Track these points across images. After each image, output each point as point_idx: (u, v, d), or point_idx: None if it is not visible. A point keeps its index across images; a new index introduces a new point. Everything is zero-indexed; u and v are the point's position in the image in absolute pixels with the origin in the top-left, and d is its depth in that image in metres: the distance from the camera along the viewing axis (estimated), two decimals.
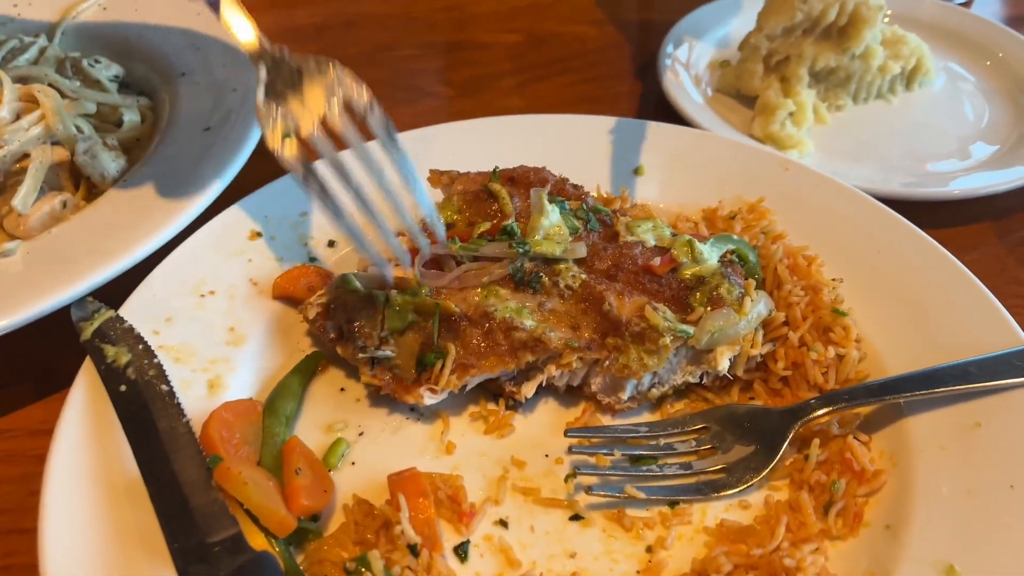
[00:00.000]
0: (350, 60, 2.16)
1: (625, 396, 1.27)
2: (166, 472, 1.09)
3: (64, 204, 1.57)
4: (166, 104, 1.79)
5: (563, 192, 1.43)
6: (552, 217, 1.34)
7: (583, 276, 1.29)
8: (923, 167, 1.79)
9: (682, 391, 1.32)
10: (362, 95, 1.16)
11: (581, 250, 1.32)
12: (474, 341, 1.24)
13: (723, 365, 1.26)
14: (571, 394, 1.32)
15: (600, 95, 2.08)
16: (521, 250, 1.29)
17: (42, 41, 1.89)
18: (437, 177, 1.47)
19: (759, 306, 1.29)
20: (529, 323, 1.24)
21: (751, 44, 1.90)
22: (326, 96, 1.14)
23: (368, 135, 1.19)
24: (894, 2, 2.13)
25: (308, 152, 1.16)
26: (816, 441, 1.20)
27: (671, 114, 1.86)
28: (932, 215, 1.67)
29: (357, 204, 1.19)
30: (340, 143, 1.17)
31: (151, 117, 1.79)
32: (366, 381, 1.25)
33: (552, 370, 1.26)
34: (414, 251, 1.32)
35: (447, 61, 2.25)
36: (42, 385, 1.38)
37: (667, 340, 1.22)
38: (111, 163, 1.61)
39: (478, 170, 1.48)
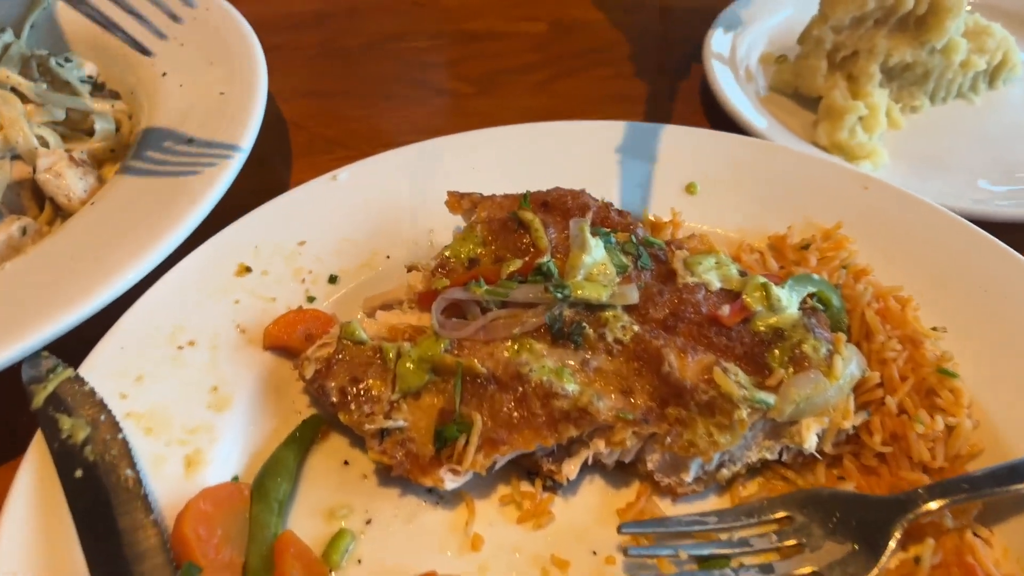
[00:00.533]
0: (354, 53, 1.96)
1: (689, 477, 1.05)
2: None
3: (23, 230, 1.35)
4: (144, 109, 1.56)
5: (607, 221, 1.20)
6: (596, 254, 1.11)
7: (635, 328, 1.07)
8: (1014, 177, 1.55)
9: (756, 468, 1.09)
10: None
11: (633, 295, 1.09)
12: (504, 409, 1.02)
13: (810, 442, 1.05)
14: (622, 470, 1.09)
15: (636, 93, 1.84)
16: (560, 295, 1.07)
17: (7, 36, 1.66)
18: (457, 201, 1.24)
19: (851, 366, 1.06)
20: (571, 387, 1.02)
21: (814, 37, 1.66)
22: None
23: None
24: None
25: None
26: (930, 541, 0.97)
27: (718, 117, 1.63)
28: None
29: None
30: None
31: (128, 124, 1.57)
32: (374, 458, 1.04)
33: (600, 446, 1.04)
34: (431, 294, 1.10)
35: (461, 53, 2.01)
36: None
37: (743, 413, 1.00)
38: (78, 182, 1.39)
39: (500, 191, 1.25)
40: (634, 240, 1.16)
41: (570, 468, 1.05)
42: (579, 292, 1.08)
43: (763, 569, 0.98)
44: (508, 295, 1.08)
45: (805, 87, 1.68)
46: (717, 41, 1.77)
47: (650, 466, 1.06)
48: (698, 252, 1.17)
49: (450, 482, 1.01)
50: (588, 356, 1.06)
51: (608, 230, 1.17)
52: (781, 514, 1.02)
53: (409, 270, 1.22)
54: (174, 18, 1.69)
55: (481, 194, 1.25)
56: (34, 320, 1.12)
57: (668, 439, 1.03)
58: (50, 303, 1.15)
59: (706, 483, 1.07)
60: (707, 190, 1.38)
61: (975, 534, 0.99)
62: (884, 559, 0.96)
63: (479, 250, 1.17)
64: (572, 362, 1.05)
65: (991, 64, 1.71)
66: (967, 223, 1.27)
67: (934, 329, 1.14)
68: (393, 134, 1.70)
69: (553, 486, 1.07)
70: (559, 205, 1.20)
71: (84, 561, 0.91)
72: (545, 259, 1.12)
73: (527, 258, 1.14)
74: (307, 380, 1.09)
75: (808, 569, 0.98)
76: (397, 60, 1.97)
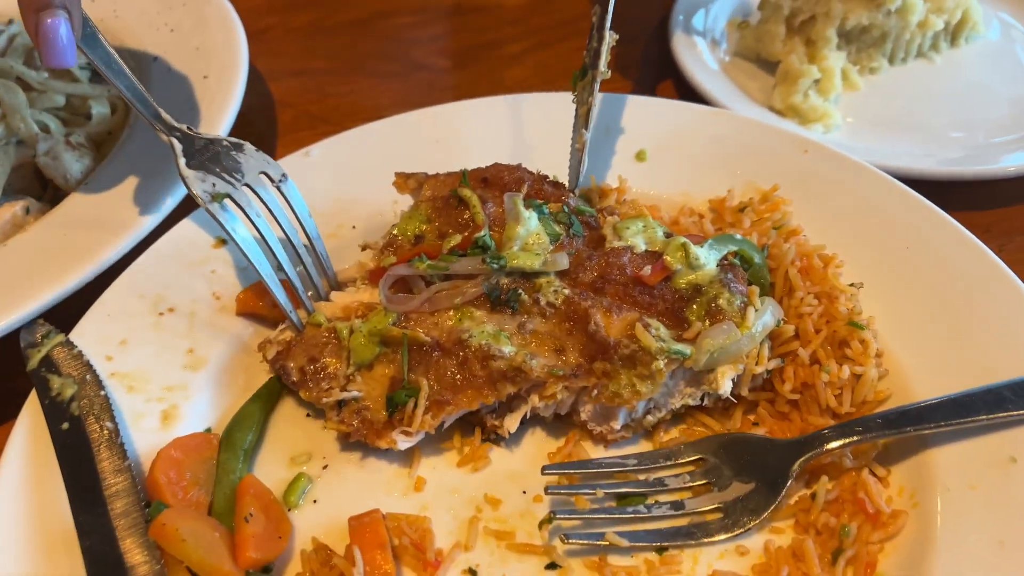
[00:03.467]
0: (342, 28, 2.04)
1: (618, 425, 1.15)
2: (100, 524, 1.01)
3: (26, 210, 1.48)
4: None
5: (541, 193, 1.28)
6: (530, 225, 1.19)
7: (566, 291, 1.16)
8: (971, 137, 1.60)
9: (680, 415, 1.18)
10: (277, 169, 1.29)
11: (563, 261, 1.18)
12: (448, 373, 1.12)
13: (725, 387, 1.13)
14: (559, 422, 1.19)
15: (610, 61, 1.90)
16: (496, 265, 1.16)
17: (13, 28, 1.79)
18: (403, 182, 1.33)
19: (764, 316, 1.14)
20: (508, 349, 1.11)
21: (772, 3, 1.71)
22: (246, 168, 1.26)
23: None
24: None
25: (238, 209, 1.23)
26: (825, 478, 1.06)
27: (684, 86, 1.69)
28: (980, 193, 1.50)
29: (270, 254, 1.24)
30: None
31: (122, 107, 1.69)
32: (332, 427, 1.15)
33: (536, 400, 1.14)
34: (379, 271, 1.20)
35: (445, 28, 2.09)
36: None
37: (661, 364, 1.09)
38: (74, 164, 1.51)
39: (460, 164, 1.34)
40: (566, 210, 1.25)
41: (511, 422, 1.15)
42: (514, 262, 1.17)
43: (674, 506, 1.08)
44: (449, 268, 1.18)
45: (765, 52, 1.72)
46: (684, 9, 1.82)
47: (583, 416, 1.16)
48: (628, 217, 1.25)
49: (403, 443, 1.12)
50: (524, 320, 1.15)
51: (541, 202, 1.26)
52: (694, 457, 1.12)
53: (363, 248, 1.32)
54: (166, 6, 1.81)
55: (426, 173, 1.33)
56: (31, 291, 1.26)
57: (596, 391, 1.12)
58: (45, 276, 1.28)
59: (634, 430, 1.17)
60: (656, 156, 1.46)
61: (872, 473, 1.07)
62: (781, 495, 1.05)
63: (424, 227, 1.26)
64: (509, 326, 1.14)
65: (951, 23, 1.73)
66: (896, 182, 1.33)
67: (851, 285, 1.21)
68: (373, 109, 1.79)
69: (496, 439, 1.18)
70: (497, 180, 1.28)
71: (68, 500, 1.05)
72: (482, 233, 1.20)
73: (467, 233, 1.22)
74: (270, 362, 1.20)
75: (715, 505, 1.07)
76: (382, 37, 2.04)
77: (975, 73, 1.74)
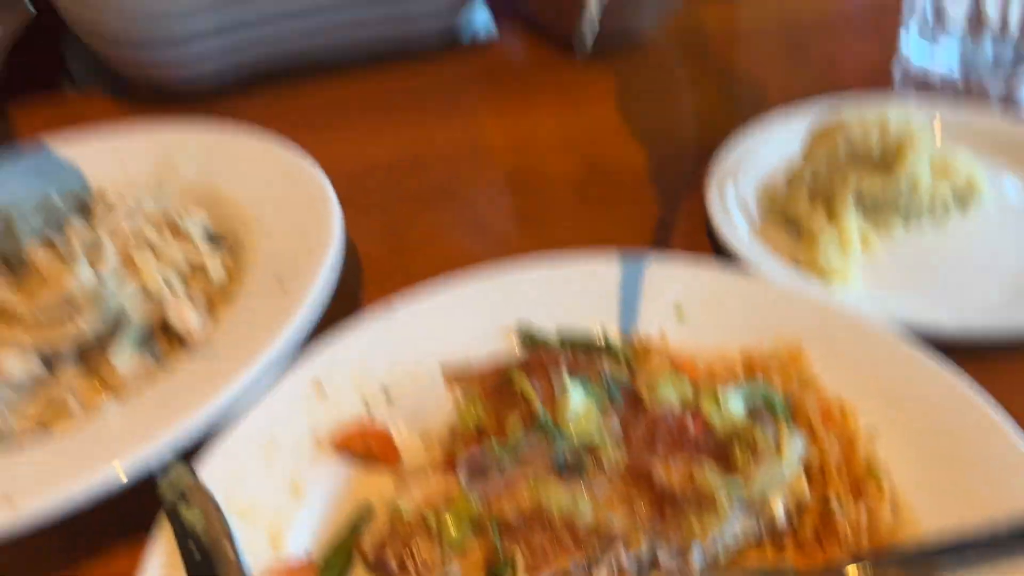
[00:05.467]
0: (417, 196, 2.34)
1: (695, 566, 1.30)
2: None
3: (156, 357, 1.75)
4: (246, 255, 1.97)
5: (576, 364, 1.49)
6: (577, 397, 1.40)
7: (623, 452, 1.34)
8: (979, 298, 1.77)
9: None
10: None
11: (616, 426, 1.37)
12: (537, 541, 1.26)
13: (779, 512, 1.30)
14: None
15: (638, 222, 2.15)
16: (560, 439, 1.34)
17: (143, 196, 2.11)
18: (453, 384, 1.52)
19: (796, 445, 1.32)
20: (587, 510, 1.28)
21: (796, 175, 1.95)
22: None
23: None
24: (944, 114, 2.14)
25: None
26: None
27: (719, 247, 1.92)
28: (992, 357, 1.65)
29: None
30: None
31: (233, 267, 1.97)
32: None
33: (620, 552, 1.28)
34: (450, 460, 1.38)
35: (504, 190, 2.37)
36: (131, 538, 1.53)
37: (723, 498, 1.26)
38: (196, 318, 1.79)
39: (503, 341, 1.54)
40: (604, 378, 1.45)
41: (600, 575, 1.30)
42: (575, 435, 1.35)
43: None
44: (518, 450, 1.35)
45: (792, 215, 1.96)
46: (719, 178, 2.07)
47: (662, 562, 1.30)
48: (654, 374, 1.45)
49: None
50: (592, 484, 1.32)
51: (581, 375, 1.45)
52: None
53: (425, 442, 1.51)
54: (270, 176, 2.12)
55: (471, 370, 1.54)
56: (166, 432, 1.50)
57: (670, 535, 1.28)
58: (177, 418, 1.52)
59: (710, 569, 1.32)
60: (692, 314, 1.67)
61: None
62: None
63: (483, 416, 1.44)
64: (581, 491, 1.30)
65: (956, 191, 1.95)
66: (908, 344, 1.51)
67: (869, 432, 1.39)
68: (445, 266, 2.04)
69: None
70: (536, 363, 1.48)
71: None
72: (541, 417, 1.38)
73: (523, 411, 1.39)
74: (372, 565, 1.32)
75: None
76: (456, 201, 2.33)
77: (983, 239, 1.92)
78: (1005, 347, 1.67)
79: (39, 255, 1.85)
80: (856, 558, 1.26)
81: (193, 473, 1.45)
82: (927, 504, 1.31)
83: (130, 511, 1.55)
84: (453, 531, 1.30)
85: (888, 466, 1.35)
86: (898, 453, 1.37)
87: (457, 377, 1.56)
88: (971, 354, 1.49)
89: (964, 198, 1.97)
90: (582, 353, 1.53)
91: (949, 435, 1.37)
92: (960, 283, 1.82)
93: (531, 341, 1.52)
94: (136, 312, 1.78)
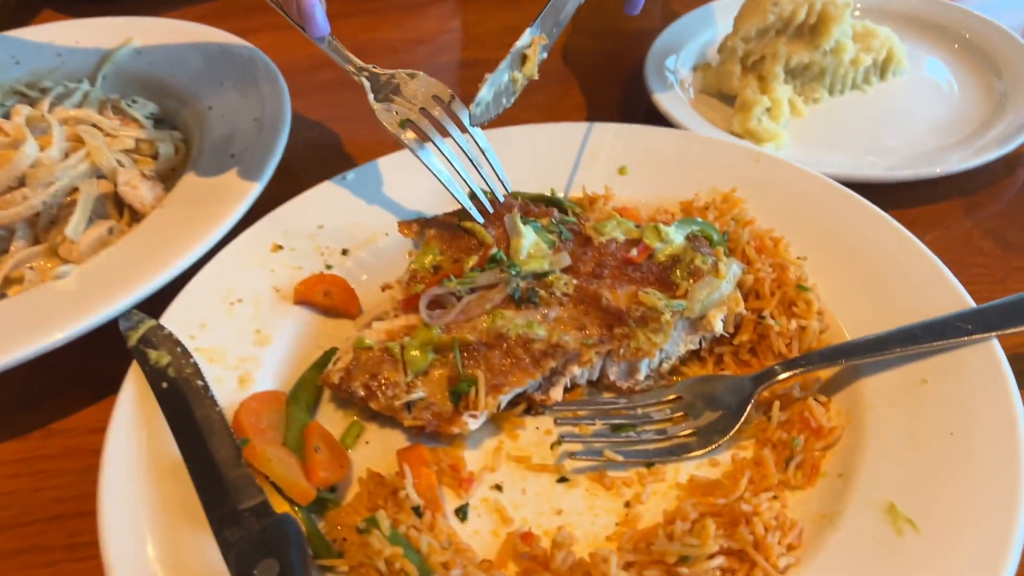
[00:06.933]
0: (357, 84, 2.36)
1: (642, 376, 1.41)
2: (203, 453, 1.27)
3: (110, 231, 1.77)
4: (195, 135, 1.98)
5: (529, 212, 1.58)
6: (529, 237, 1.48)
7: (574, 282, 1.43)
8: (896, 151, 1.90)
9: (685, 360, 1.45)
10: (445, 91, 1.58)
11: (565, 259, 1.46)
12: (497, 362, 1.36)
13: (718, 327, 1.41)
14: (593, 388, 1.45)
15: (595, 101, 2.23)
16: (513, 272, 1.43)
17: (85, 86, 2.10)
18: (408, 227, 1.61)
19: (733, 267, 1.44)
20: (542, 333, 1.37)
21: (728, 47, 2.03)
22: (420, 94, 1.58)
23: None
24: None
25: (417, 133, 1.57)
26: (777, 403, 1.33)
27: (660, 118, 2.00)
28: (905, 196, 1.79)
29: (452, 168, 1.56)
30: (437, 125, 1.58)
31: (183, 148, 1.99)
32: (409, 424, 1.35)
33: (574, 369, 1.39)
34: (412, 299, 1.44)
35: (454, 79, 2.41)
36: (98, 389, 1.56)
37: (667, 316, 1.36)
38: (149, 192, 1.81)
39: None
40: (553, 221, 1.54)
41: (555, 393, 1.40)
42: (527, 267, 1.44)
43: (658, 432, 1.34)
44: (475, 282, 1.44)
45: (725, 88, 2.05)
46: (656, 57, 2.15)
47: (612, 377, 1.42)
48: (602, 219, 1.54)
49: (472, 424, 1.33)
50: (546, 311, 1.41)
51: (532, 218, 1.55)
52: (673, 396, 1.38)
53: (384, 289, 1.57)
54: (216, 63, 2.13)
55: (424, 217, 1.63)
56: (125, 288, 1.53)
57: (621, 351, 1.38)
58: (135, 277, 1.55)
59: (655, 379, 1.43)
60: (635, 171, 1.76)
61: (815, 400, 1.33)
62: (743, 417, 1.32)
63: (439, 258, 1.53)
64: (536, 317, 1.40)
65: (879, 60, 2.06)
66: (831, 181, 1.63)
67: (797, 258, 1.50)
68: (390, 147, 2.08)
69: (544, 411, 1.40)
70: (489, 213, 1.57)
71: (174, 441, 1.30)
72: (495, 250, 1.48)
73: (480, 253, 1.49)
74: (335, 387, 1.39)
75: (690, 430, 1.34)
76: None
77: (900, 101, 2.06)
78: (920, 195, 1.81)
79: None
80: (785, 361, 1.37)
81: (158, 323, 1.49)
82: (851, 316, 1.43)
83: (98, 372, 1.59)
84: (417, 355, 1.38)
85: (816, 286, 1.46)
86: (826, 274, 1.49)
87: (411, 224, 1.62)
88: (889, 200, 1.60)
89: (884, 67, 2.08)
90: (532, 204, 1.61)
91: (871, 256, 1.49)
92: (879, 141, 1.94)
93: (485, 195, 1.59)
94: (88, 187, 1.78)
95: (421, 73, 1.59)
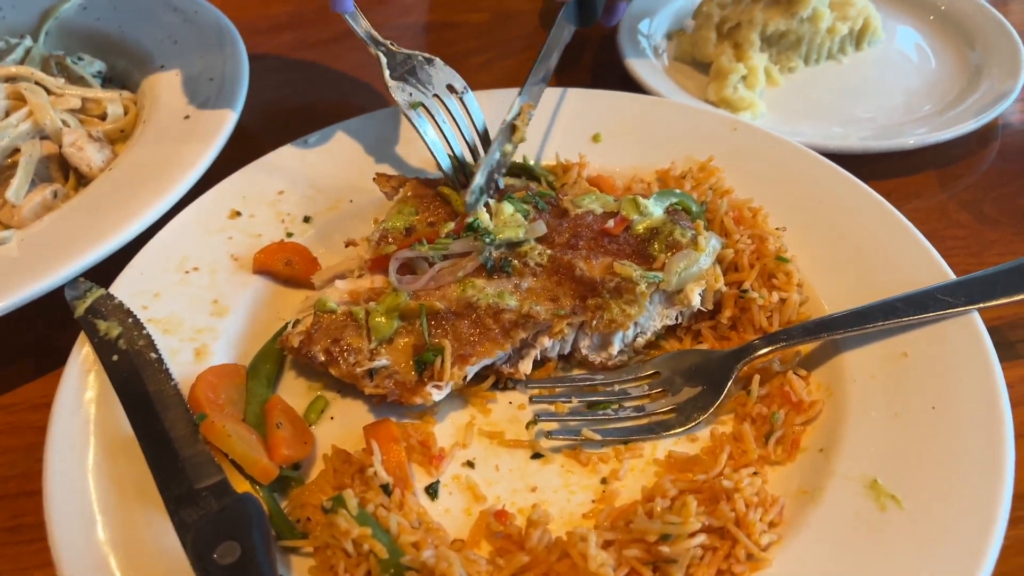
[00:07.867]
0: (323, 47, 2.27)
1: (615, 350, 1.36)
2: (157, 429, 1.20)
3: (55, 194, 1.67)
4: (147, 95, 1.88)
5: (508, 187, 1.53)
6: (506, 208, 1.42)
7: (548, 252, 1.38)
8: (873, 121, 1.88)
9: (661, 335, 1.41)
10: (460, 81, 1.59)
11: (541, 228, 1.40)
12: (465, 332, 1.30)
13: (695, 301, 1.36)
14: (565, 362, 1.39)
15: (564, 67, 2.16)
16: (487, 240, 1.37)
17: (27, 42, 1.98)
18: (385, 181, 1.55)
19: (712, 241, 1.39)
20: (513, 303, 1.32)
21: (704, 12, 1.98)
22: (436, 80, 1.58)
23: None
24: None
25: (429, 118, 1.55)
26: (757, 377, 1.29)
27: (632, 84, 1.94)
28: (880, 167, 1.76)
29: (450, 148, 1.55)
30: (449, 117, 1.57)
31: (134, 109, 1.88)
32: (370, 392, 1.29)
33: (544, 341, 1.33)
34: (381, 260, 1.38)
35: (421, 42, 2.33)
36: (42, 362, 1.48)
37: (642, 287, 1.31)
38: (97, 154, 1.71)
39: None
40: (530, 194, 1.49)
41: (525, 366, 1.34)
42: (501, 235, 1.38)
43: (636, 409, 1.30)
44: (448, 248, 1.38)
45: (700, 55, 2.00)
46: (630, 22, 2.09)
47: (584, 350, 1.36)
48: (580, 193, 1.49)
49: (436, 395, 1.27)
50: (518, 280, 1.36)
51: (508, 192, 1.50)
52: (651, 371, 1.34)
53: (347, 245, 1.51)
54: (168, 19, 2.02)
55: (404, 176, 1.56)
56: (71, 254, 1.43)
57: (594, 322, 1.32)
58: (81, 243, 1.46)
59: (628, 354, 1.38)
60: (609, 138, 1.70)
61: (796, 374, 1.30)
62: (723, 393, 1.28)
63: (413, 219, 1.46)
64: (508, 287, 1.35)
65: (854, 29, 2.02)
66: (809, 151, 1.59)
67: (776, 229, 1.46)
68: (354, 111, 2.00)
69: (512, 384, 1.36)
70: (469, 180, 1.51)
71: (126, 417, 1.23)
72: (471, 218, 1.41)
73: (456, 221, 1.43)
74: (295, 351, 1.32)
75: (669, 407, 1.30)
76: (360, 51, 2.27)
77: (875, 71, 2.03)
78: (895, 167, 1.78)
79: None
80: (765, 336, 1.33)
81: (107, 292, 1.40)
82: (831, 287, 1.40)
83: (42, 344, 1.51)
84: (382, 321, 1.32)
85: (796, 257, 1.42)
86: (805, 246, 1.45)
87: (389, 178, 1.55)
88: (863, 171, 1.57)
89: (860, 36, 2.05)
90: (512, 177, 1.55)
91: (851, 228, 1.46)
92: (854, 112, 1.91)
93: (457, 163, 1.53)
94: (31, 148, 1.68)
95: (438, 59, 1.58)
